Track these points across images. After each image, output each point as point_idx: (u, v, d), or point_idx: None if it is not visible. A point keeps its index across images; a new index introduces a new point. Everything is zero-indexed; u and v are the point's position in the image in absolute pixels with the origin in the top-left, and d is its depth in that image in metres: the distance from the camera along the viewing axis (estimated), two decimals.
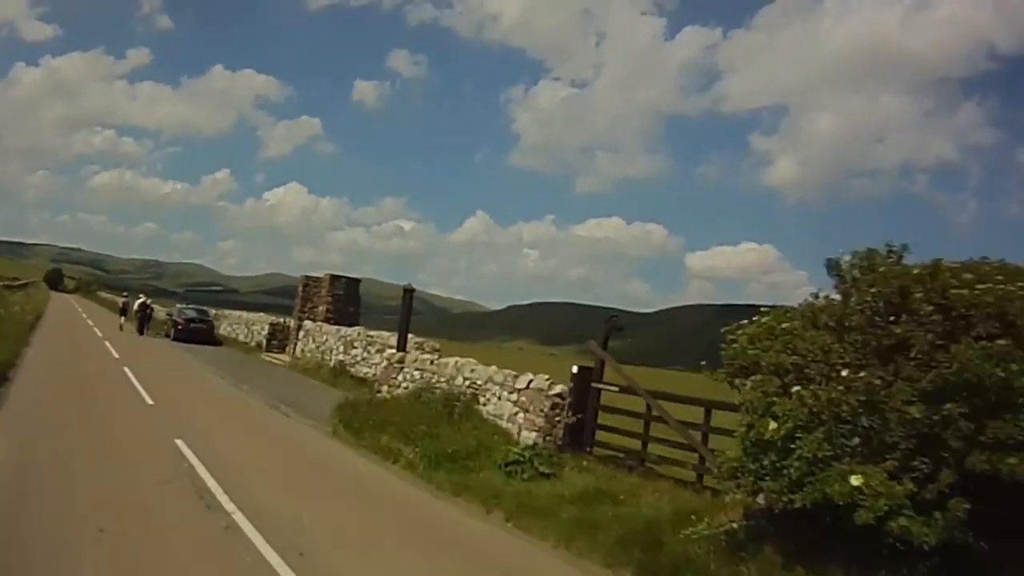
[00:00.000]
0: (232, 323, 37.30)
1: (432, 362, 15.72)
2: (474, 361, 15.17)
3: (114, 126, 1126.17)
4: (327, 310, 30.05)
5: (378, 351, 21.83)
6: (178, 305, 41.19)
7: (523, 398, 12.71)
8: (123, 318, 38.81)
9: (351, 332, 24.49)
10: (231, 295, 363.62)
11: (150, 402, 15.03)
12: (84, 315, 48.95)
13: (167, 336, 35.33)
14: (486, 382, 13.90)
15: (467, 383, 14.30)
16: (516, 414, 12.71)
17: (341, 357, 24.17)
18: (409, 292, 17.83)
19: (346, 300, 30.91)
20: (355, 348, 23.61)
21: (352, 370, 23.04)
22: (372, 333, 23.49)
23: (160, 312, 41.58)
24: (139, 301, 39.35)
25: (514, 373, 13.58)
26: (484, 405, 13.74)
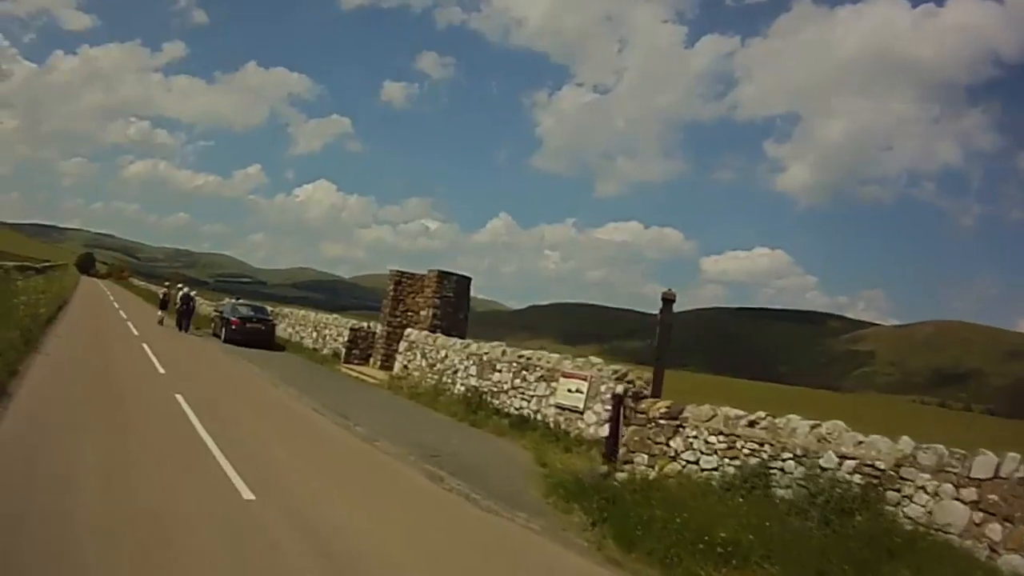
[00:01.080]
0: (294, 324, 30.62)
1: (752, 424, 8.63)
2: (843, 425, 8.14)
3: (149, 117, 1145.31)
4: (434, 315, 23.26)
5: (541, 379, 14.93)
6: (230, 300, 34.65)
7: (992, 496, 5.70)
8: (163, 312, 32.48)
9: (490, 349, 17.57)
10: (259, 287, 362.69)
11: (237, 483, 8.13)
12: (116, 304, 42.71)
13: (215, 335, 28.82)
14: (897, 465, 6.91)
15: (848, 466, 7.29)
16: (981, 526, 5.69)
17: (475, 383, 17.25)
18: (669, 301, 10.69)
19: (456, 303, 24.12)
20: (498, 372, 16.64)
21: (496, 402, 16.11)
22: (526, 353, 16.51)
23: (203, 306, 35.01)
24: (181, 292, 33.00)
25: (959, 452, 7.10)
26: (899, 506, 6.82)
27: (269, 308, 31.98)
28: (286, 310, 32.30)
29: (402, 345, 22.21)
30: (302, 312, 31.00)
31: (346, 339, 25.87)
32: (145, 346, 21.41)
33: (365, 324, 26.57)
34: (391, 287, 25.19)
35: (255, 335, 27.39)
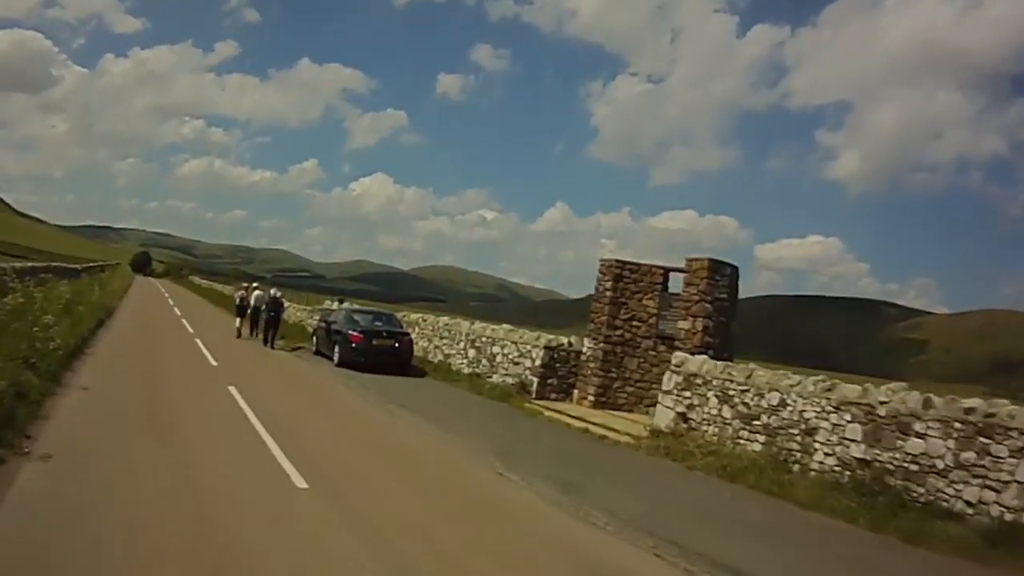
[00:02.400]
0: (430, 336, 21.50)
1: None
2: None
3: (203, 116, 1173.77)
4: (705, 328, 14.11)
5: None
6: (341, 305, 26.11)
7: None
8: (242, 320, 24.08)
9: (890, 396, 8.13)
10: (317, 281, 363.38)
11: None
12: (177, 310, 34.47)
13: (319, 354, 20.32)
14: None
15: None
16: None
17: (858, 453, 7.92)
18: None
19: (729, 310, 15.14)
20: (916, 437, 7.13)
21: (921, 493, 6.77)
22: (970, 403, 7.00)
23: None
24: (257, 293, 24.73)
25: None
26: None
27: (397, 314, 22.98)
28: (413, 316, 23.18)
29: (670, 379, 13.15)
30: (443, 320, 21.82)
31: (539, 362, 16.81)
32: (234, 391, 12.54)
33: (566, 342, 17.34)
34: (607, 283, 16.43)
35: (386, 356, 18.77)
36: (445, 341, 20.81)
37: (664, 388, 13.42)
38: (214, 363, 16.43)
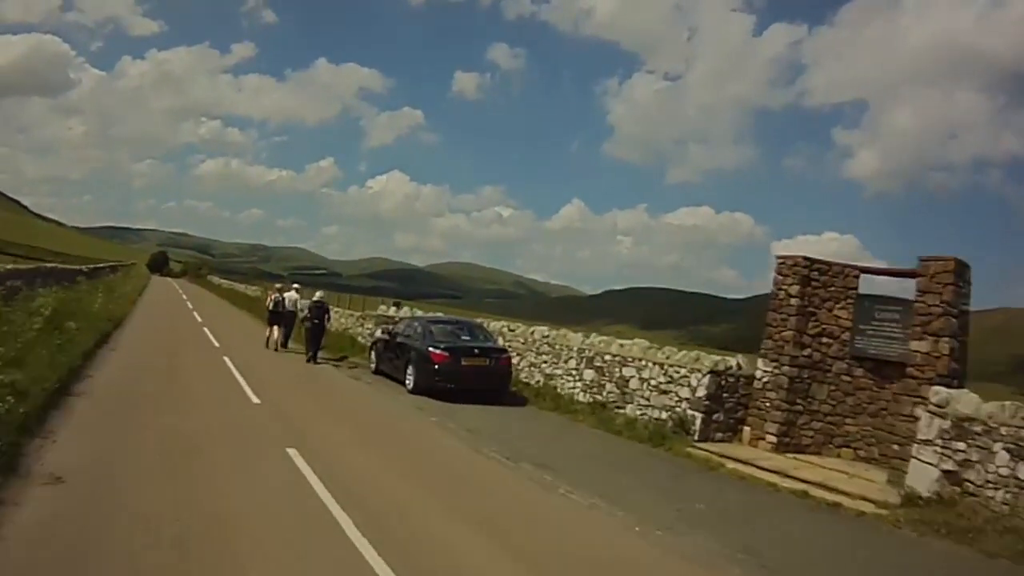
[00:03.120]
0: (523, 349, 16.83)
1: None
2: None
3: (220, 117, 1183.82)
4: (951, 352, 9.55)
5: None
6: (410, 312, 21.53)
7: None
8: (274, 328, 19.76)
9: None
10: (334, 278, 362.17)
11: None
12: (198, 316, 30.18)
13: (381, 373, 16.05)
14: None
15: None
16: None
17: None
18: None
19: (966, 323, 10.40)
20: None
21: None
22: None
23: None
24: (291, 296, 20.51)
25: None
26: None
27: (477, 320, 18.38)
28: (496, 324, 18.46)
29: (931, 424, 8.78)
30: (539, 330, 17.01)
31: (703, 392, 12.22)
32: (297, 458, 8.07)
33: (734, 364, 12.70)
34: (791, 288, 12.34)
35: (480, 380, 14.37)
36: (545, 357, 16.19)
37: (922, 436, 9.12)
38: (256, 400, 11.87)
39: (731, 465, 10.75)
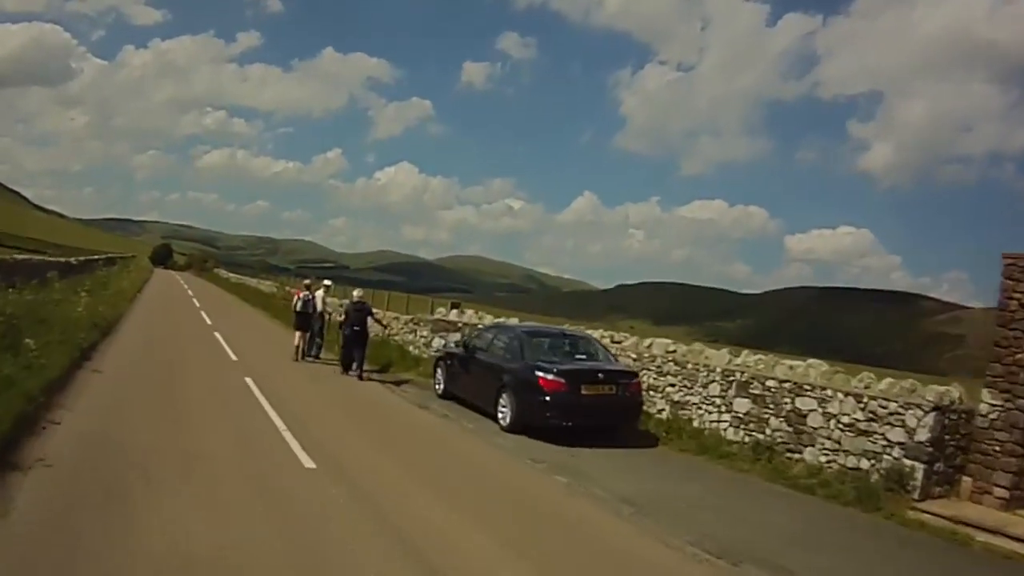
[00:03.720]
0: (641, 364, 12.72)
1: None
2: None
3: (224, 107, 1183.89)
4: None
5: None
6: (478, 319, 17.52)
7: None
8: (301, 334, 15.86)
9: None
10: (342, 271, 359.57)
11: None
12: (205, 316, 26.36)
13: (449, 397, 12.59)
14: None
15: None
16: None
17: None
18: None
19: None
20: None
21: None
22: None
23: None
24: (320, 294, 16.75)
25: None
26: None
27: (590, 332, 14.18)
28: (594, 334, 14.30)
29: None
30: (661, 345, 12.82)
31: (927, 434, 8.23)
32: None
33: (955, 394, 8.76)
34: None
35: (606, 413, 10.75)
36: (672, 379, 12.17)
37: None
38: (308, 462, 7.86)
39: (981, 538, 7.44)
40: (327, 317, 17.94)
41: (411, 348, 17.82)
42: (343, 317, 15.73)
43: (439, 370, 13.67)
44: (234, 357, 15.94)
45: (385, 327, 17.46)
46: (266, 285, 44.64)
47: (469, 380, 12.33)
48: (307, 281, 18.79)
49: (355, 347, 14.93)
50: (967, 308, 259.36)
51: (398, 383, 14.71)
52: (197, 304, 32.42)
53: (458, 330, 16.36)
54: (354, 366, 14.85)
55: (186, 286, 51.21)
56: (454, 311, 17.87)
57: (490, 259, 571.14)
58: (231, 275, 68.50)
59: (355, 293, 16.32)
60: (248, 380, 12.65)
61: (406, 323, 18.94)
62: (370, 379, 14.83)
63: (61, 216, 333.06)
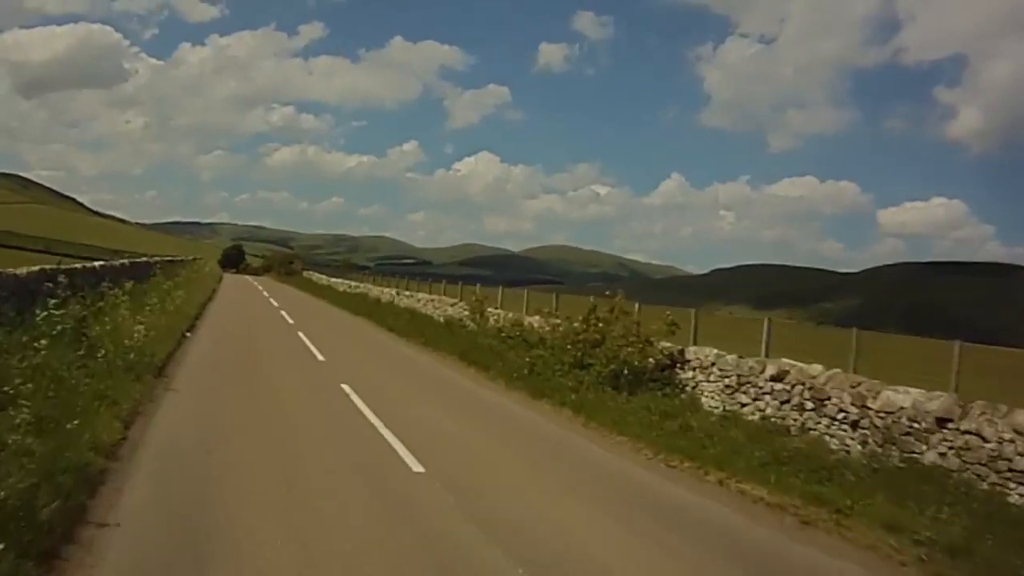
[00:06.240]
0: None
1: None
2: None
3: (291, 102, 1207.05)
4: None
5: None
6: None
7: None
8: None
9: None
10: (424, 267, 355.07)
11: None
12: (326, 362, 15.37)
13: None
14: None
15: None
16: None
17: None
18: None
19: None
20: None
21: None
22: None
23: None
24: None
25: None
26: None
27: None
28: None
29: None
30: None
31: None
32: None
33: None
34: None
35: None
36: None
37: None
38: None
39: None
40: None
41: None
42: None
43: None
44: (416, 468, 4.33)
45: None
46: (405, 296, 33.13)
47: None
48: None
49: None
50: None
51: None
52: (303, 338, 20.79)
53: None
54: None
55: (270, 297, 40.35)
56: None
57: (578, 248, 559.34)
58: (334, 279, 56.62)
59: None
60: None
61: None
62: None
63: (121, 221, 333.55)
